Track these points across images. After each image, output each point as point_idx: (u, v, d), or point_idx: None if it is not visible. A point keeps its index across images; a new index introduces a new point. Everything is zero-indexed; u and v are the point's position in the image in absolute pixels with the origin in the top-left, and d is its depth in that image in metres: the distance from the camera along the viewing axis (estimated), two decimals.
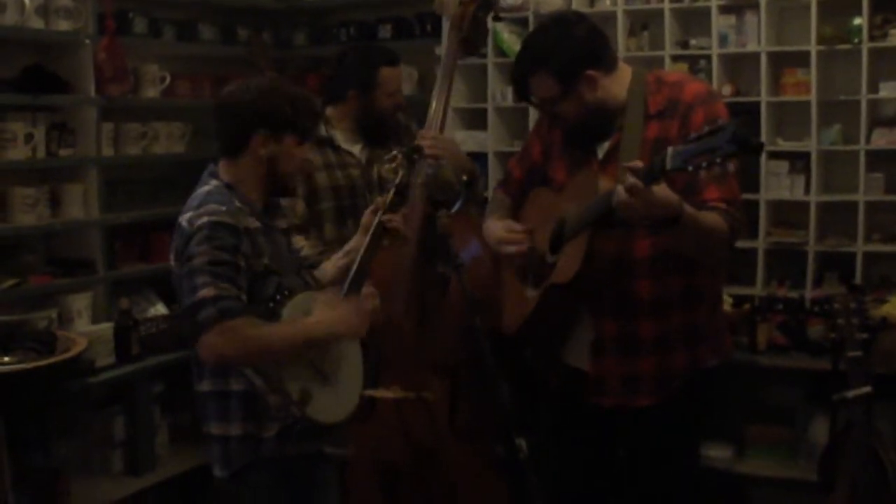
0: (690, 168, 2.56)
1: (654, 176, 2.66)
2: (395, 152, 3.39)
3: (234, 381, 2.93)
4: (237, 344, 2.78)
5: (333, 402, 2.98)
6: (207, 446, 3.06)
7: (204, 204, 2.88)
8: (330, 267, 3.29)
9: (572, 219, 3.06)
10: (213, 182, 2.98)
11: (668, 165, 2.61)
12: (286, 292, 2.91)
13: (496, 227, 3.38)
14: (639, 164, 2.71)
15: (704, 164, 2.54)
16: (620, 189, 2.72)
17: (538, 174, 3.41)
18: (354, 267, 3.18)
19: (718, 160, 2.51)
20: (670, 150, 2.62)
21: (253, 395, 2.90)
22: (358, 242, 3.24)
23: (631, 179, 2.67)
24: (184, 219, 2.88)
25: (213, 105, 3.04)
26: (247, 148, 2.95)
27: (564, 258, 3.09)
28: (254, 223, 2.92)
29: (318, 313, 2.92)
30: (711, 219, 2.88)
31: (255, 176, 2.98)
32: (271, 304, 2.88)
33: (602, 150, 3.16)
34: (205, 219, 2.82)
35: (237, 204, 2.91)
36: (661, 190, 2.70)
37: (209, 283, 2.76)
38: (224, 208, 2.85)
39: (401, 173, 3.30)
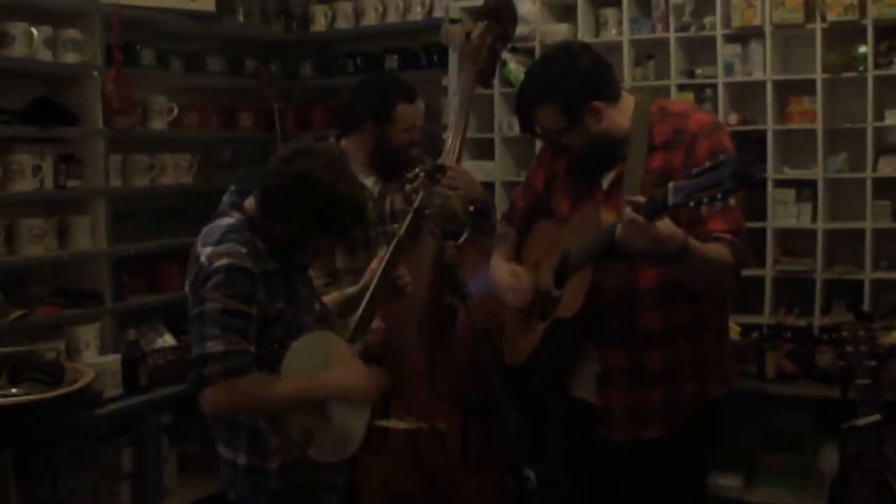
0: (692, 204, 2.56)
1: (656, 211, 2.65)
2: (416, 170, 3.39)
3: None
4: (239, 402, 2.78)
5: (336, 442, 2.97)
6: (220, 466, 3.06)
7: (225, 241, 2.82)
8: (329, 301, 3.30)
9: (575, 252, 3.04)
10: (236, 215, 2.92)
11: (670, 201, 2.60)
12: (289, 333, 2.88)
13: (502, 270, 3.36)
14: (641, 199, 2.69)
15: (706, 200, 2.53)
16: (621, 226, 2.71)
17: (542, 205, 3.40)
18: (359, 312, 3.19)
19: (719, 196, 2.52)
20: (671, 185, 2.61)
21: (258, 428, 2.91)
22: (357, 291, 3.29)
23: (631, 214, 2.67)
24: (203, 253, 2.82)
25: (271, 159, 2.95)
26: (278, 222, 2.91)
27: (569, 293, 3.07)
28: (272, 265, 2.88)
29: (329, 373, 2.93)
30: (716, 251, 2.87)
31: (278, 241, 2.93)
32: (276, 346, 2.85)
33: (606, 180, 3.15)
34: (224, 261, 2.77)
35: (259, 245, 2.87)
36: (665, 225, 2.69)
37: (218, 335, 2.73)
38: (245, 251, 2.80)
39: (421, 194, 3.31)
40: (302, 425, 2.85)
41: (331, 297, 3.34)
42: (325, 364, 2.96)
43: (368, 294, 3.23)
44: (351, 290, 3.35)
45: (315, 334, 2.97)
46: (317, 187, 2.86)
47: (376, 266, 3.28)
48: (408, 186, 3.47)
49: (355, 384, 2.97)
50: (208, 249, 2.81)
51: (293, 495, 2.96)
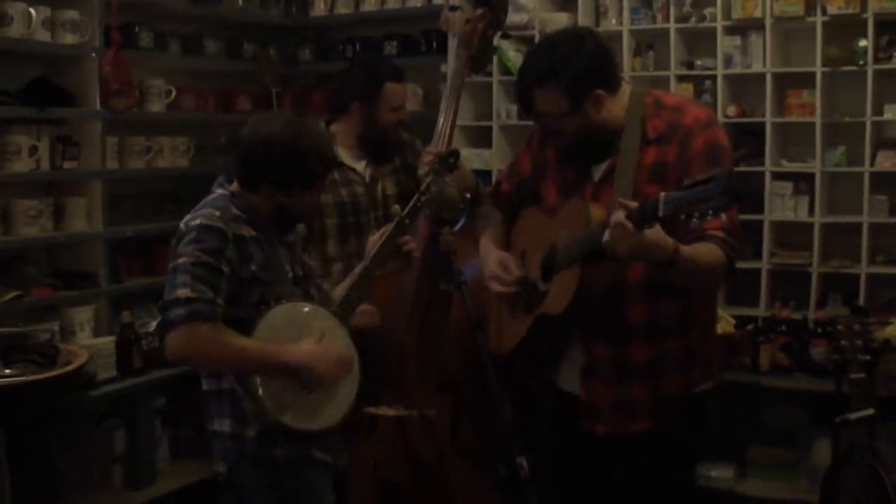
0: (683, 217, 2.55)
1: (645, 220, 2.63)
2: (429, 149, 3.40)
3: (224, 380, 3.02)
4: (197, 347, 2.86)
5: (315, 411, 3.00)
6: (211, 442, 3.13)
7: (203, 208, 2.99)
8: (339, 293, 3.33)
9: (563, 248, 3.01)
10: (219, 191, 3.08)
11: (660, 212, 2.58)
12: (272, 302, 2.96)
13: (491, 256, 3.32)
14: (632, 204, 2.67)
15: (696, 214, 2.52)
16: (609, 230, 2.68)
17: (528, 189, 3.36)
18: (355, 278, 3.24)
19: (711, 212, 2.51)
20: (662, 196, 2.59)
21: (237, 394, 2.99)
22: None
23: (619, 218, 2.64)
24: (183, 221, 2.98)
25: (233, 138, 3.10)
26: (257, 191, 3.03)
27: (556, 288, 3.05)
28: (249, 232, 2.99)
29: (300, 344, 2.96)
30: (708, 253, 2.84)
31: (266, 210, 3.05)
32: (253, 311, 2.94)
33: (598, 172, 3.11)
34: (197, 221, 2.92)
35: (234, 211, 2.99)
36: (653, 233, 2.66)
37: (187, 283, 2.84)
38: (218, 213, 2.94)
39: (430, 178, 3.32)
40: (276, 393, 2.91)
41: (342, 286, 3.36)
42: (301, 335, 3.00)
43: (363, 266, 3.24)
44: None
45: (296, 305, 3.04)
46: (279, 145, 2.98)
47: (376, 239, 3.30)
48: (420, 171, 3.48)
49: (314, 361, 2.96)
50: (187, 217, 2.98)
51: (277, 466, 3.02)
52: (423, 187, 3.32)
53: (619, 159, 3.04)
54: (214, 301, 2.86)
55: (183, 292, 2.83)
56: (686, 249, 2.75)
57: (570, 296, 2.95)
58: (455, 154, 3.47)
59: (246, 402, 2.96)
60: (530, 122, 3.38)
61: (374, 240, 3.34)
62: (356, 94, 4.07)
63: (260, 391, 2.89)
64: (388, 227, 3.31)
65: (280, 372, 2.92)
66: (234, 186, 3.08)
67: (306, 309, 3.06)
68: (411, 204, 3.31)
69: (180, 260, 2.88)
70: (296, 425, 2.95)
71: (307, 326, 3.01)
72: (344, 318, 3.16)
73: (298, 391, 2.94)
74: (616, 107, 3.06)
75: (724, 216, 2.79)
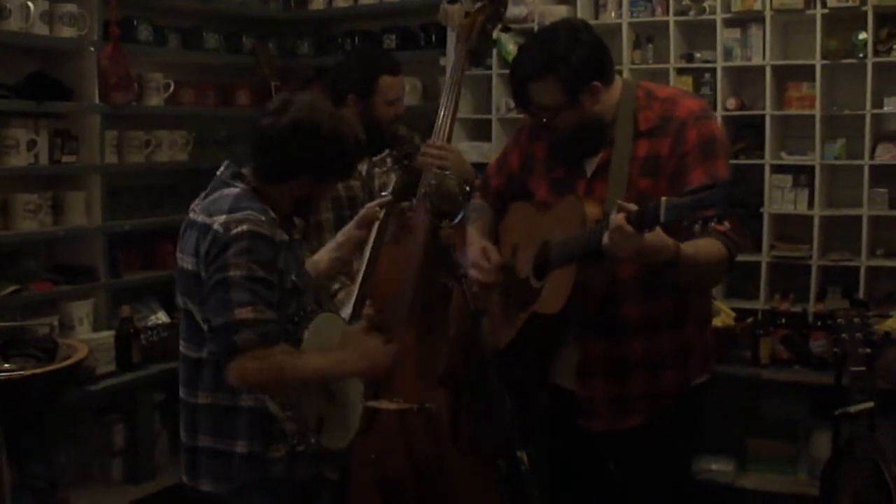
0: (685, 223, 2.54)
1: (645, 224, 2.60)
2: (384, 155, 3.40)
3: (244, 397, 2.79)
4: (272, 372, 2.66)
5: (342, 426, 2.93)
6: (192, 458, 2.91)
7: (238, 209, 2.73)
8: (324, 258, 3.25)
9: (558, 247, 2.99)
10: (240, 185, 2.83)
11: (662, 218, 2.55)
12: (302, 312, 2.81)
13: (474, 246, 3.31)
14: (632, 207, 2.63)
15: (699, 222, 2.51)
16: (608, 234, 2.65)
17: (517, 184, 3.35)
18: (362, 269, 3.24)
19: (714, 220, 2.49)
20: (664, 201, 2.55)
21: (264, 413, 2.79)
22: (350, 233, 3.24)
23: (619, 221, 2.61)
24: (217, 222, 2.71)
25: (257, 126, 2.85)
26: (289, 182, 2.84)
27: (551, 287, 3.02)
28: (283, 236, 2.79)
29: (350, 352, 2.87)
30: (710, 249, 2.82)
31: (283, 204, 2.86)
32: (289, 326, 2.77)
33: (590, 167, 3.09)
34: (244, 227, 2.67)
35: (271, 214, 2.78)
36: (654, 236, 2.64)
37: (247, 302, 2.63)
38: (263, 218, 2.72)
39: (393, 179, 3.30)
40: (316, 411, 2.79)
41: (318, 259, 3.32)
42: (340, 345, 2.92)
43: (363, 272, 3.23)
44: (338, 238, 3.30)
45: (328, 315, 2.92)
46: (317, 130, 2.78)
47: (369, 212, 3.28)
48: (377, 170, 3.48)
49: (374, 358, 2.89)
50: (222, 217, 2.71)
51: (295, 489, 2.87)
52: (391, 187, 3.32)
53: (613, 153, 3.02)
54: (277, 319, 2.68)
55: (245, 313, 2.62)
56: (688, 249, 2.73)
57: (566, 295, 2.92)
58: (408, 156, 3.45)
59: (289, 424, 2.77)
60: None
61: (367, 211, 3.31)
62: (352, 87, 4.06)
63: (304, 410, 2.76)
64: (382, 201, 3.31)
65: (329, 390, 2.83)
66: (253, 178, 2.85)
67: (331, 319, 2.95)
68: (384, 209, 3.31)
69: (232, 273, 2.64)
70: (330, 446, 2.86)
71: (341, 335, 2.93)
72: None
73: (332, 410, 2.85)
74: (610, 100, 3.05)
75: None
